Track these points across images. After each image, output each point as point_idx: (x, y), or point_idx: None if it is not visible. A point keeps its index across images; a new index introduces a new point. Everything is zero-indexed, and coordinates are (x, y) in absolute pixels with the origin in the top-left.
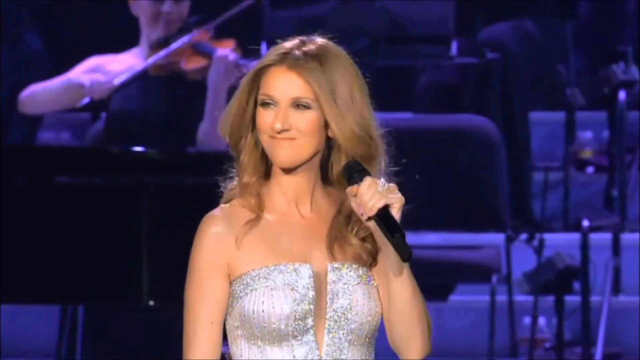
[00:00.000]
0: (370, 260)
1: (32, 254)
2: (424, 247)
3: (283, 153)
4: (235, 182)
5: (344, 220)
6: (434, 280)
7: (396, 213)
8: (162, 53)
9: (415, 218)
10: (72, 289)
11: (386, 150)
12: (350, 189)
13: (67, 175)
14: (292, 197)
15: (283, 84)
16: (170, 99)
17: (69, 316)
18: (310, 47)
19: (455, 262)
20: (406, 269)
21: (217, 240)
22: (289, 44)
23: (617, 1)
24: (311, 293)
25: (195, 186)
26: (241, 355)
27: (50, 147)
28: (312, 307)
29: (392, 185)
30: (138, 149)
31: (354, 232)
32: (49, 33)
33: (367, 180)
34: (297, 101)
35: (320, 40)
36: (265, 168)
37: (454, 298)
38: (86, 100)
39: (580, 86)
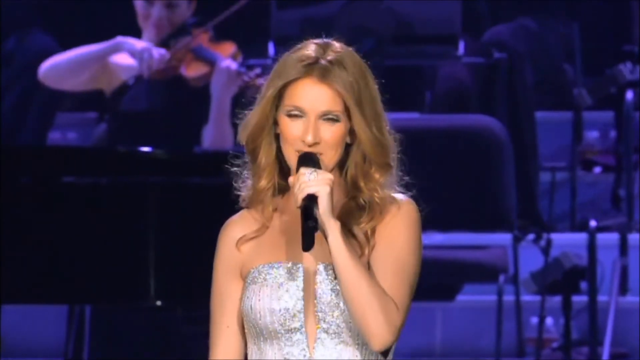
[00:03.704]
0: (365, 257)
1: (39, 254)
2: (431, 247)
3: None
4: (250, 186)
5: (348, 218)
6: (441, 280)
7: (321, 201)
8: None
9: (423, 218)
10: (79, 289)
11: (397, 154)
12: (290, 180)
13: (73, 175)
14: None
15: (314, 97)
16: (175, 98)
17: (76, 316)
18: (332, 54)
19: (463, 262)
20: (347, 258)
21: (232, 245)
22: (309, 51)
23: (623, 1)
24: (299, 292)
25: (202, 186)
26: (250, 355)
27: (57, 147)
28: (299, 306)
29: (322, 176)
30: (144, 148)
31: (359, 228)
32: (61, 31)
33: (299, 172)
34: (327, 114)
35: (336, 45)
36: (279, 169)
37: (461, 298)
38: (133, 71)
39: (587, 86)
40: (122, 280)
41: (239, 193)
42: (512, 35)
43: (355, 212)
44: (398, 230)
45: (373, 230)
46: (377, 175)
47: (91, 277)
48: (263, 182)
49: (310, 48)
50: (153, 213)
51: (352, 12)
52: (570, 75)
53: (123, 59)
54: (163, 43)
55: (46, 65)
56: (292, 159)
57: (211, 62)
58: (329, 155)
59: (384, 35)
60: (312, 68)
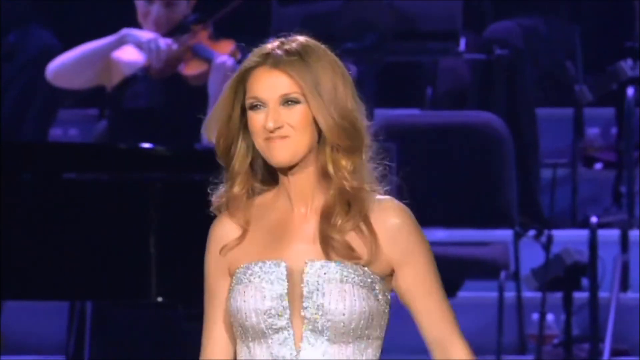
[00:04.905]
0: (362, 256)
1: (40, 250)
2: (432, 244)
3: (279, 153)
4: (224, 190)
5: (327, 217)
6: (442, 276)
7: None
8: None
9: (424, 214)
10: (80, 285)
11: (372, 142)
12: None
13: (74, 171)
14: (294, 198)
15: (269, 84)
16: (175, 96)
17: (77, 313)
18: (291, 44)
19: (464, 259)
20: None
21: (221, 242)
22: (269, 45)
23: None
24: (284, 291)
25: (203, 182)
26: (240, 354)
27: (58, 143)
28: (285, 305)
29: None
30: (145, 145)
31: (337, 228)
32: (62, 27)
33: None
34: (285, 98)
35: (300, 38)
36: (261, 176)
37: (462, 294)
38: (141, 62)
39: (588, 83)
40: (123, 276)
41: (211, 199)
42: (513, 31)
43: (332, 208)
44: (413, 249)
45: (369, 229)
46: (344, 162)
47: (92, 273)
48: (236, 188)
49: (271, 43)
50: (154, 209)
51: (353, 8)
52: (572, 72)
53: (125, 55)
54: None
55: (53, 65)
56: (263, 150)
57: (209, 61)
58: (297, 139)
59: (386, 31)
60: (267, 57)
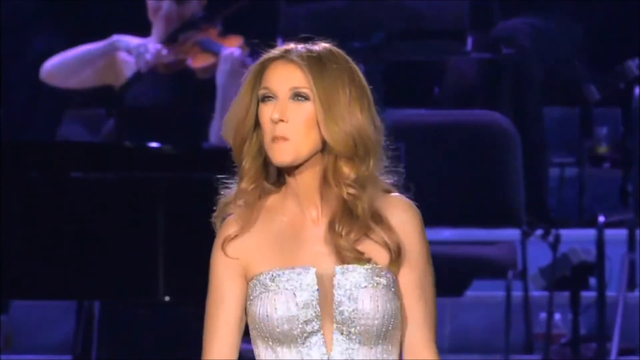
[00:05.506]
0: (380, 258)
1: (47, 250)
2: (439, 243)
3: (280, 154)
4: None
5: (331, 226)
6: (449, 275)
7: None
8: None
9: (432, 214)
10: (87, 285)
11: (384, 155)
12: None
13: (81, 171)
14: (303, 201)
15: (282, 75)
16: (182, 94)
17: (85, 312)
18: (314, 46)
19: (471, 258)
20: None
21: (232, 243)
22: (293, 43)
23: None
24: (315, 297)
25: (210, 181)
26: (259, 355)
27: (65, 142)
28: (316, 310)
29: None
30: (153, 144)
31: (343, 235)
32: (68, 28)
33: None
34: (295, 91)
35: (326, 43)
36: (268, 175)
37: (469, 293)
38: (131, 70)
39: (595, 82)
40: (130, 276)
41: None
42: (520, 31)
43: (334, 215)
44: (416, 249)
45: (384, 228)
46: (346, 170)
47: (99, 273)
48: (245, 184)
49: (295, 43)
50: (161, 209)
51: (360, 7)
52: (579, 71)
53: (124, 55)
54: (171, 37)
55: (47, 65)
56: (267, 150)
57: (217, 54)
58: (298, 139)
59: (393, 30)
60: (287, 52)
